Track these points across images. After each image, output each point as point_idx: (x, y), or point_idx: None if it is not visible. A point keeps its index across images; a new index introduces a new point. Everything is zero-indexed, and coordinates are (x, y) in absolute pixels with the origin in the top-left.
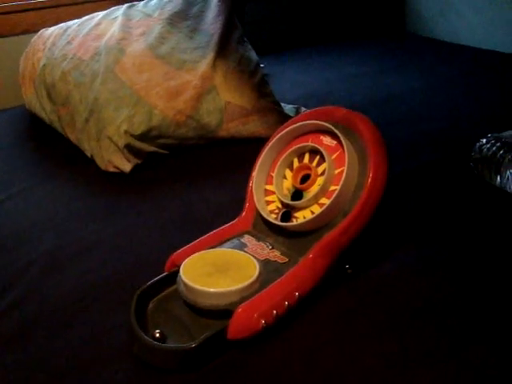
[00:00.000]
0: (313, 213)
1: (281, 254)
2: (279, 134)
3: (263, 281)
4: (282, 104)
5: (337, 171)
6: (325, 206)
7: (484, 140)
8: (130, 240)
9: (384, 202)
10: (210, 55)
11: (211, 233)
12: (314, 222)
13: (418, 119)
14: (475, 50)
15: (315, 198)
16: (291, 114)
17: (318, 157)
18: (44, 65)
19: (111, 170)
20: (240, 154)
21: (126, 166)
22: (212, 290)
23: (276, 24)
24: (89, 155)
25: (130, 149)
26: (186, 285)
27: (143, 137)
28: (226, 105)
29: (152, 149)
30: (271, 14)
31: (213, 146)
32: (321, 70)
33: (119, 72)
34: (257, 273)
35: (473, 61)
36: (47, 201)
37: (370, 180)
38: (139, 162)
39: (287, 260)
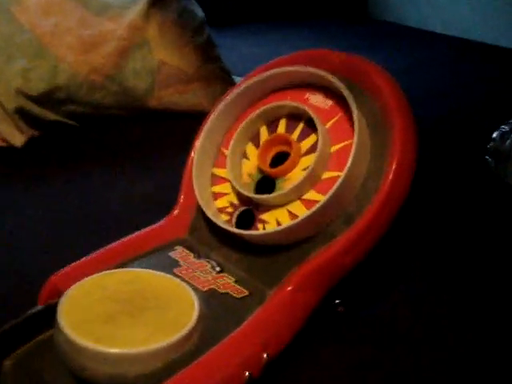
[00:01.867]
0: (292, 215)
1: (236, 281)
2: (238, 88)
3: (206, 332)
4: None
5: (334, 148)
6: (316, 206)
7: (507, 127)
8: (1, 245)
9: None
10: (143, 1)
11: (121, 240)
12: (293, 231)
13: None
14: (443, 37)
15: (297, 191)
16: None
17: (300, 125)
18: None
19: None
20: (175, 132)
21: (17, 139)
22: (112, 350)
23: None
24: None
25: (23, 115)
26: (66, 337)
27: (43, 100)
28: (159, 65)
29: (55, 117)
30: None
31: (139, 120)
32: (275, 45)
33: (18, 12)
34: (195, 316)
35: (437, 48)
36: None
37: (394, 165)
38: (36, 134)
39: (246, 293)
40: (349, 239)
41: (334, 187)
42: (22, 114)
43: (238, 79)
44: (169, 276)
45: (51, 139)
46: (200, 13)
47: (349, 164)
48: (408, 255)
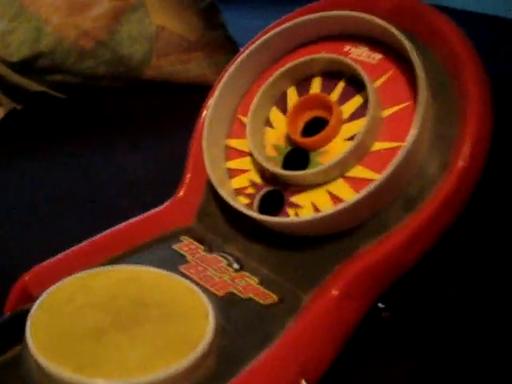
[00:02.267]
0: (334, 198)
1: (260, 282)
2: (259, 40)
3: (225, 352)
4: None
5: (387, 113)
6: (371, 186)
7: None
8: None
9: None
10: None
11: (112, 229)
12: (338, 219)
13: None
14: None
15: (341, 166)
16: None
17: (341, 84)
18: None
19: None
20: (175, 106)
21: None
22: (100, 381)
23: None
24: None
25: (2, 85)
26: (37, 362)
27: (25, 67)
28: (158, 31)
29: (39, 88)
30: None
31: (136, 92)
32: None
33: None
34: (210, 331)
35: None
36: None
37: (469, 136)
38: (18, 107)
39: (275, 299)
40: (412, 229)
41: (395, 161)
42: (0, 83)
43: None
44: (174, 276)
45: (35, 113)
46: None
47: (414, 131)
48: (468, 248)
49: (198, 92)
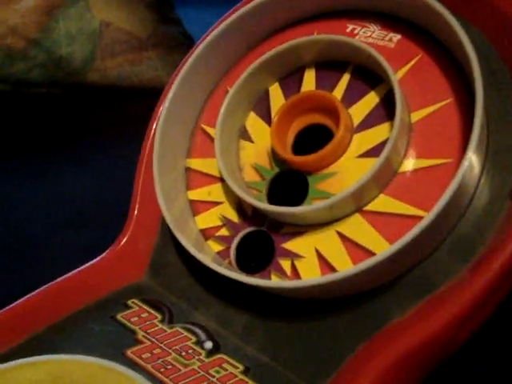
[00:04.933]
0: (352, 244)
1: (244, 370)
2: (226, 21)
3: None
4: None
5: (418, 116)
6: (416, 227)
7: None
8: None
9: None
10: None
11: (36, 292)
12: (362, 279)
13: None
14: None
15: (357, 198)
16: None
17: (345, 78)
18: None
19: None
20: (126, 117)
21: None
22: None
23: None
24: None
25: None
26: None
27: None
28: (101, 27)
29: None
30: None
31: (77, 101)
32: None
33: None
34: None
35: None
36: None
37: None
38: None
39: None
40: (474, 287)
41: (452, 187)
42: None
43: None
44: (118, 368)
45: None
46: None
47: (472, 145)
48: None
49: (152, 97)
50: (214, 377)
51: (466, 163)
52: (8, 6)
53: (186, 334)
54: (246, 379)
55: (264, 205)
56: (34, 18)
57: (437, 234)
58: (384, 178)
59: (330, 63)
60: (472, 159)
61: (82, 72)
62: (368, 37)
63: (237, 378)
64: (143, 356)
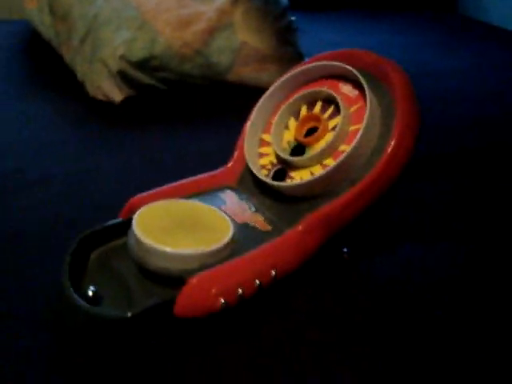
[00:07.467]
0: (313, 174)
1: (264, 219)
2: (288, 74)
3: (234, 249)
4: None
5: (352, 128)
6: (328, 168)
7: None
8: (95, 177)
9: (405, 179)
10: None
11: (186, 180)
12: (310, 186)
13: (458, 101)
14: None
15: (319, 157)
16: None
17: (332, 108)
18: None
19: (100, 97)
20: (247, 104)
21: (117, 96)
22: (166, 249)
23: None
24: (80, 79)
25: (123, 76)
26: (136, 238)
27: (141, 65)
28: (241, 46)
29: (149, 81)
30: None
31: (218, 90)
32: (355, 33)
33: None
34: (228, 237)
35: None
36: (18, 122)
37: (392, 143)
38: (132, 93)
39: (270, 228)
40: (349, 197)
41: (343, 156)
42: (122, 75)
43: None
44: (215, 209)
45: (144, 99)
46: (284, 0)
47: (357, 139)
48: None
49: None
50: (251, 219)
51: (350, 149)
52: (187, 28)
53: (245, 204)
54: (264, 222)
55: (286, 156)
56: (200, 36)
57: (339, 174)
58: (331, 152)
59: (328, 100)
60: (355, 149)
61: (224, 73)
62: (346, 90)
63: (259, 221)
64: (226, 208)
